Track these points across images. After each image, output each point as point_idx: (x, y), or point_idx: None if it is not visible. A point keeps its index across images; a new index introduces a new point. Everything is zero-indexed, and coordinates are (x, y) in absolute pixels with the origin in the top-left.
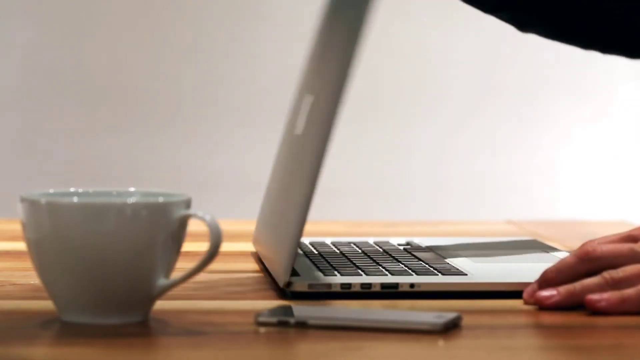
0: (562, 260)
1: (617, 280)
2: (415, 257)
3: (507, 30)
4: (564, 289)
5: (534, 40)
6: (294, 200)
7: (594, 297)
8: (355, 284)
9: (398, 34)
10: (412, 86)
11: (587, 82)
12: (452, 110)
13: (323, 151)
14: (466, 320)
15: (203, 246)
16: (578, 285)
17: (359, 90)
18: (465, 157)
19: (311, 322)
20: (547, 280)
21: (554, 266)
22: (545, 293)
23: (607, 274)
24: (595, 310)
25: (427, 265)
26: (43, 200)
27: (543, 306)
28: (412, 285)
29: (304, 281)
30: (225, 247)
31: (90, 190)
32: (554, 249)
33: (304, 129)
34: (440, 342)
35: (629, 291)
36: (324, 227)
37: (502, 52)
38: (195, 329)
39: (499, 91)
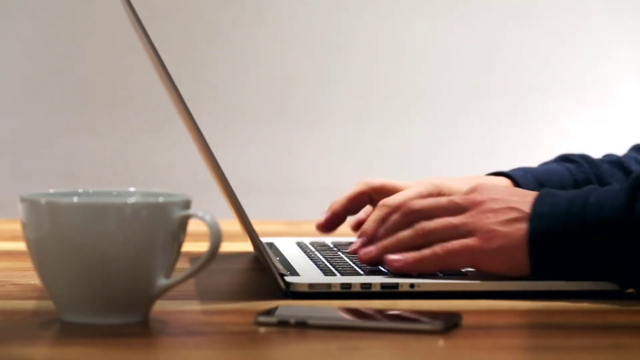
0: (384, 214)
1: (427, 232)
2: None
3: (504, 29)
4: (381, 245)
5: (531, 40)
6: None
7: (393, 257)
8: (355, 284)
9: (397, 34)
10: (410, 85)
11: (587, 81)
12: (450, 109)
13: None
14: (466, 320)
15: (203, 246)
16: (393, 238)
17: (358, 90)
18: (464, 156)
19: (311, 322)
20: (367, 233)
21: (372, 219)
22: (365, 250)
23: (419, 226)
24: (393, 270)
25: None
26: (43, 200)
27: (362, 262)
28: (412, 285)
29: (304, 281)
30: (225, 247)
31: (90, 190)
32: None
33: None
34: (440, 342)
35: (426, 251)
36: None
37: (500, 51)
38: (195, 329)
39: (497, 90)
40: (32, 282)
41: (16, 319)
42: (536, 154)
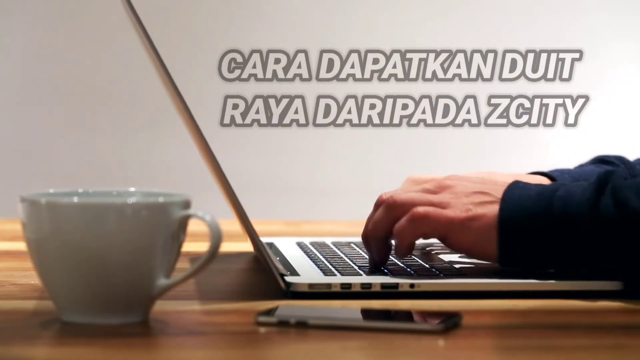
0: (373, 216)
1: (399, 204)
2: (415, 257)
3: (500, 28)
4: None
5: (526, 38)
6: None
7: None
8: (355, 284)
9: (393, 33)
10: (407, 85)
11: (583, 79)
12: (447, 108)
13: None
14: (466, 320)
15: (203, 246)
16: (371, 226)
17: (357, 90)
18: (463, 155)
19: (311, 322)
20: (367, 238)
21: (368, 227)
22: (369, 255)
23: (391, 201)
24: (399, 256)
25: (427, 266)
26: (43, 200)
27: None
28: (412, 285)
29: (304, 281)
30: (225, 247)
31: (90, 190)
32: None
33: None
34: (440, 342)
35: (403, 218)
36: (324, 227)
37: (494, 50)
38: (195, 329)
39: (495, 89)
40: (32, 282)
41: (16, 319)
42: (533, 151)
